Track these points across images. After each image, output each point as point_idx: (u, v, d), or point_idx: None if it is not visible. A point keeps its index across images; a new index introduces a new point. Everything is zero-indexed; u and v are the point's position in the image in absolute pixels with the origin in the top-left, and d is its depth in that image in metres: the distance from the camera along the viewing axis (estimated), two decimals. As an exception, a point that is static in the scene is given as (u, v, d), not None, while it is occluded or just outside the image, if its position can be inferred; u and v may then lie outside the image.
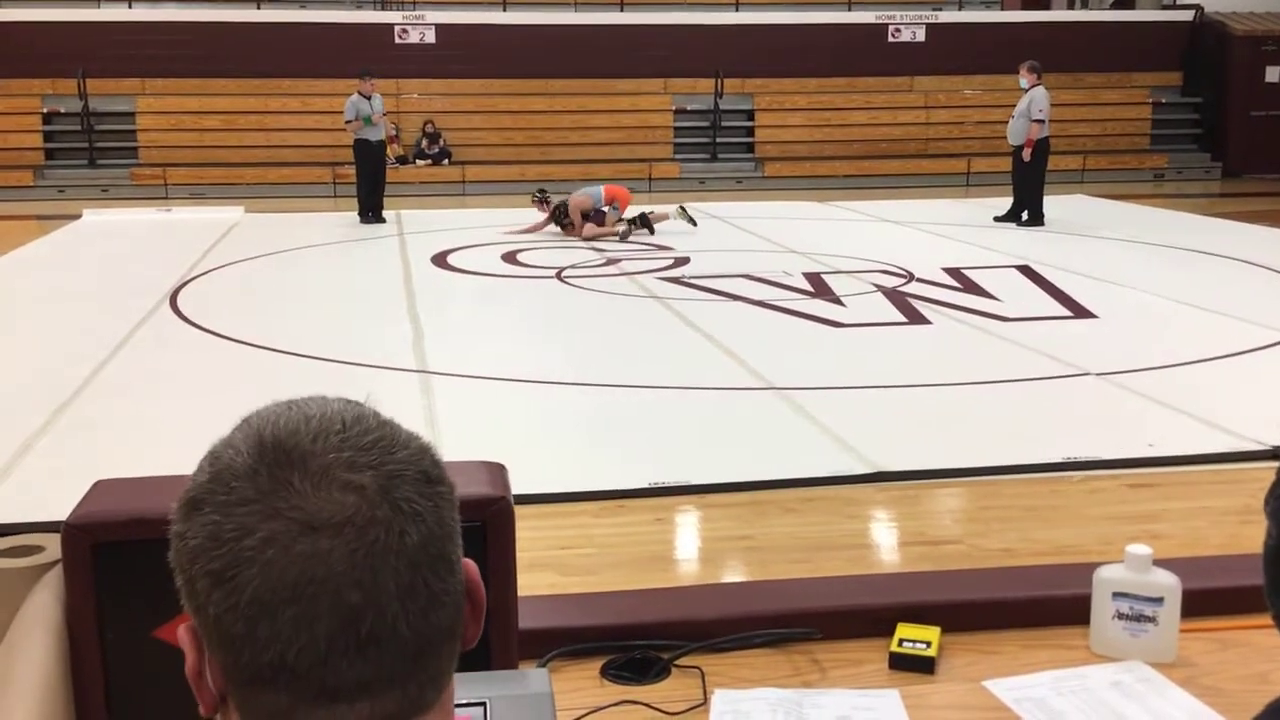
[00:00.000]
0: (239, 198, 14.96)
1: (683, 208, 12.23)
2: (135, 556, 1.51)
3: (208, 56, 16.99)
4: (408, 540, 0.73)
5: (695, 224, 11.96)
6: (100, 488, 1.60)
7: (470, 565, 0.81)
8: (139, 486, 1.62)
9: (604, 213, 11.72)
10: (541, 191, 12.25)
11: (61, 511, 1.56)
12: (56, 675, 1.48)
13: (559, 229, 11.79)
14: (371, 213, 12.81)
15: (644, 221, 11.84)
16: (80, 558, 1.50)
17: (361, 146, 12.74)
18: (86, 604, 1.51)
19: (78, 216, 13.36)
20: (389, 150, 13.08)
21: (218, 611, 0.72)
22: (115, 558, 1.50)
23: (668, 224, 12.00)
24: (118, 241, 11.51)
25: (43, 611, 1.51)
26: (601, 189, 11.98)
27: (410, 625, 0.73)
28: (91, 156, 16.80)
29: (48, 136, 17.00)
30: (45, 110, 16.97)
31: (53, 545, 1.57)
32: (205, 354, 6.73)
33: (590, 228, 11.56)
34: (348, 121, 12.75)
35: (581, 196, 11.82)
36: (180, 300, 8.31)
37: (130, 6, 17.63)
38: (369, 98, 12.65)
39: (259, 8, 17.77)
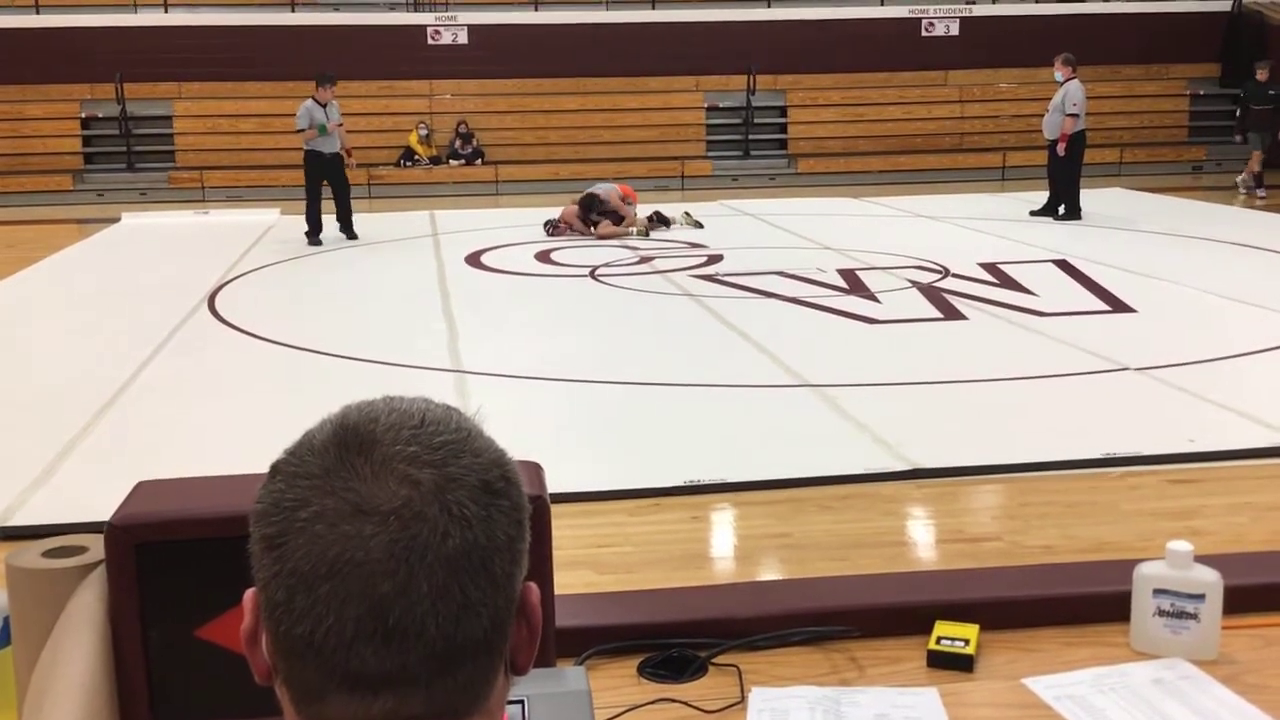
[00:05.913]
0: (275, 200, 15.05)
1: (687, 213, 12.27)
2: (177, 556, 1.52)
3: (243, 60, 17.14)
4: (449, 543, 0.74)
5: (701, 225, 11.99)
6: (142, 489, 1.62)
7: (531, 589, 0.81)
8: (180, 488, 1.64)
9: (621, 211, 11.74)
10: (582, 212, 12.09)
11: (104, 512, 1.58)
12: (100, 674, 1.50)
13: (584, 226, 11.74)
14: (316, 233, 11.26)
15: (660, 218, 11.98)
16: (123, 558, 1.51)
17: (311, 159, 11.24)
18: (129, 603, 1.52)
19: (116, 220, 13.51)
20: (347, 161, 11.58)
21: (265, 576, 0.75)
22: (157, 558, 1.52)
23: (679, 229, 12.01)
24: (156, 244, 11.63)
25: (86, 611, 1.53)
26: (615, 187, 12.04)
27: (439, 627, 0.73)
28: (129, 160, 16.97)
29: (86, 141, 17.21)
30: (84, 115, 17.18)
31: (96, 546, 1.59)
32: (244, 355, 6.78)
33: (606, 226, 11.56)
34: (299, 130, 11.17)
35: (610, 191, 11.87)
36: (218, 302, 8.38)
37: (166, 11, 17.80)
38: (325, 105, 11.14)
39: (293, 11, 17.89)
